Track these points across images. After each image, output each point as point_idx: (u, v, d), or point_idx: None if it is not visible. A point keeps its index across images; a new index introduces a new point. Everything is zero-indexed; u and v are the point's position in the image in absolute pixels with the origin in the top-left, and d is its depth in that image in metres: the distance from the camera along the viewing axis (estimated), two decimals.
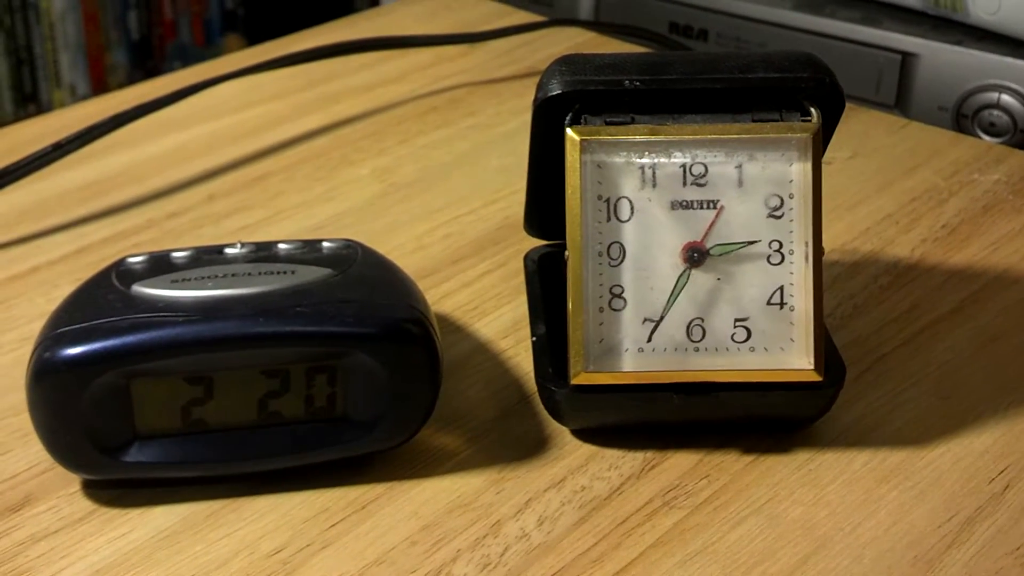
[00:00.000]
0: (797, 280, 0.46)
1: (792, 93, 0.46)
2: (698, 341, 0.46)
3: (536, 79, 0.48)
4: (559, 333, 0.47)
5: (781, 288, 0.46)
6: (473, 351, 0.54)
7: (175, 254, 0.47)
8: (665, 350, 0.46)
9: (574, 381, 0.46)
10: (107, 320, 0.44)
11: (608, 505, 0.46)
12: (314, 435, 0.45)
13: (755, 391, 0.46)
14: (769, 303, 0.46)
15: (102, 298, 0.45)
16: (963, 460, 0.48)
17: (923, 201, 0.65)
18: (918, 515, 0.45)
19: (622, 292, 0.46)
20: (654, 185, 0.46)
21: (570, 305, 0.46)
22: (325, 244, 0.48)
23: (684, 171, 0.46)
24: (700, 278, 0.46)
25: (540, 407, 0.49)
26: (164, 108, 0.69)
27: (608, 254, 0.46)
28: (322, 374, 0.45)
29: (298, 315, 0.44)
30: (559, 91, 0.46)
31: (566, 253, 0.46)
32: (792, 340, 0.46)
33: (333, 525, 0.45)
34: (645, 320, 0.46)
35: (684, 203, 0.46)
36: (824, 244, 0.46)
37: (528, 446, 0.48)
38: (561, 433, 0.49)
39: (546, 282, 0.53)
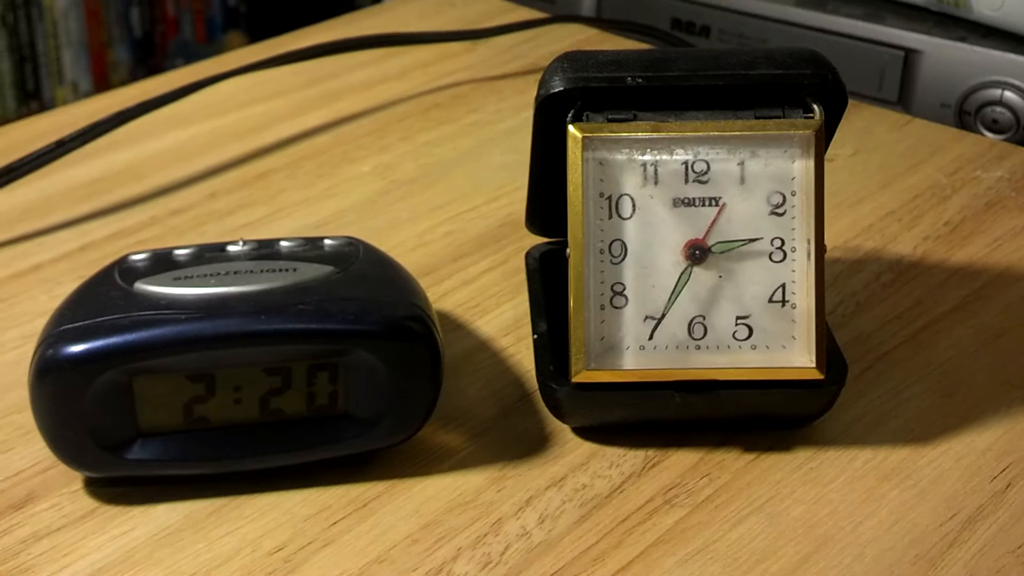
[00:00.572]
0: (799, 277, 0.46)
1: (795, 90, 0.46)
2: (700, 339, 0.46)
3: (538, 76, 0.48)
4: (560, 331, 0.47)
5: (783, 286, 0.46)
6: (474, 349, 0.54)
7: (177, 251, 0.47)
8: (666, 348, 0.46)
9: (575, 379, 0.46)
10: (110, 318, 0.44)
11: (609, 503, 0.46)
12: (315, 433, 0.45)
13: (757, 389, 0.46)
14: (771, 301, 0.46)
15: (105, 295, 0.45)
16: (965, 458, 0.48)
17: (925, 198, 0.65)
18: (920, 513, 0.45)
19: (623, 290, 0.46)
20: (656, 182, 0.46)
21: (571, 303, 0.46)
22: (327, 241, 0.48)
23: (686, 168, 0.46)
24: (702, 276, 0.46)
25: (541, 405, 0.49)
26: (166, 105, 0.69)
27: (610, 251, 0.46)
28: (324, 372, 0.45)
29: (300, 313, 0.44)
30: (561, 88, 0.46)
31: (567, 250, 0.46)
32: (794, 338, 0.46)
33: (334, 523, 0.45)
34: (647, 318, 0.46)
35: (686, 200, 0.46)
36: (826, 241, 0.46)
37: (529, 444, 0.48)
38: (562, 431, 0.49)
39: (547, 280, 0.53)
